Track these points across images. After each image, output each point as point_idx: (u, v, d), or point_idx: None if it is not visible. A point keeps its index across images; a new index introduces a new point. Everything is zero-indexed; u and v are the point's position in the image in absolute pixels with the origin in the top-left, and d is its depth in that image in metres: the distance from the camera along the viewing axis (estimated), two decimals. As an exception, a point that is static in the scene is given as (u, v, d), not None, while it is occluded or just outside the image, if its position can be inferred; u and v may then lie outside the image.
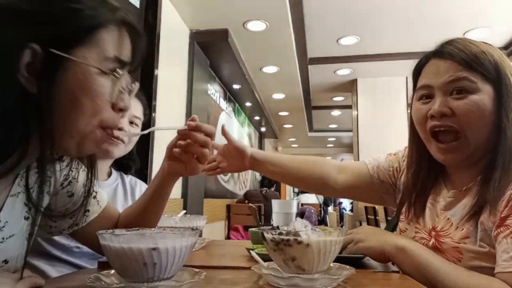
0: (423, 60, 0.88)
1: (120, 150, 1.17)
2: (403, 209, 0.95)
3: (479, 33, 3.48)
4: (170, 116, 2.89)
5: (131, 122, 1.21)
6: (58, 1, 0.53)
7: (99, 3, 0.57)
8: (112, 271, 0.60)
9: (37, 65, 0.51)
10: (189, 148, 0.74)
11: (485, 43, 0.84)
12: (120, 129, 1.12)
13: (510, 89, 0.77)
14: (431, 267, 0.72)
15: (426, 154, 0.88)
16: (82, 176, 0.77)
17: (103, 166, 1.20)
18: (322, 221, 6.47)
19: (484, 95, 0.77)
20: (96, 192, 0.79)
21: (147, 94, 2.53)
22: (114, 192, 1.21)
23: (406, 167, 0.98)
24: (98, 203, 0.80)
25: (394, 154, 1.05)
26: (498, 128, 0.77)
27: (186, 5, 2.91)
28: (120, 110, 0.61)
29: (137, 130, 1.21)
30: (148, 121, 2.47)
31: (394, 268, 0.80)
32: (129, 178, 1.30)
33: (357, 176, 1.05)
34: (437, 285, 0.70)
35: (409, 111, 0.95)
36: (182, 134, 0.74)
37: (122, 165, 1.29)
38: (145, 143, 2.47)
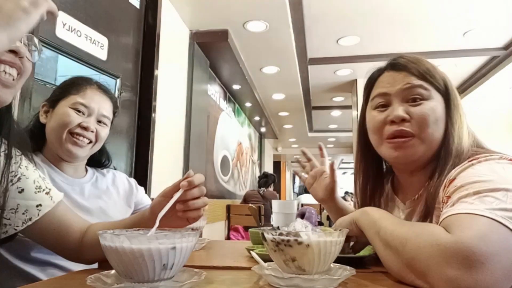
0: (376, 74, 0.93)
1: (85, 151, 1.14)
2: None
3: (479, 33, 3.48)
4: (170, 116, 2.89)
5: (99, 121, 1.15)
6: None
7: None
8: (112, 271, 0.60)
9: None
10: (189, 205, 0.76)
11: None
12: (85, 128, 1.10)
13: (455, 102, 0.85)
14: (378, 221, 0.73)
15: (374, 164, 0.97)
16: (33, 173, 0.82)
17: (79, 164, 1.19)
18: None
19: (437, 102, 0.84)
20: (49, 189, 0.84)
21: (147, 94, 2.53)
22: (96, 185, 1.21)
23: (354, 180, 1.04)
24: (51, 198, 0.83)
25: None
26: (444, 136, 0.83)
27: (186, 5, 2.92)
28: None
29: (105, 130, 1.17)
30: (148, 121, 2.49)
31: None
32: (105, 170, 1.29)
33: None
34: (380, 232, 0.70)
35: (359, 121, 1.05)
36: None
37: (94, 161, 1.26)
38: (144, 143, 2.48)
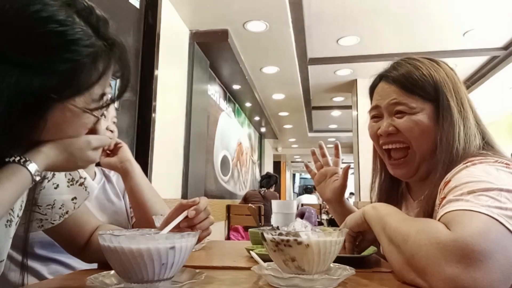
0: (376, 81, 0.97)
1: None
2: None
3: (479, 33, 3.48)
4: (170, 116, 2.89)
5: (114, 122, 1.22)
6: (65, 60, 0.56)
7: (103, 52, 0.61)
8: (112, 271, 0.60)
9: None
10: (197, 229, 0.75)
11: (432, 60, 0.91)
12: (111, 131, 1.17)
13: (447, 108, 0.84)
14: (384, 217, 0.73)
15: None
16: None
17: (91, 167, 1.21)
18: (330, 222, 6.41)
19: (423, 115, 0.86)
20: (84, 179, 0.83)
21: (147, 94, 2.53)
22: (104, 188, 1.22)
23: (372, 177, 1.05)
24: (86, 189, 0.83)
25: None
26: (438, 143, 0.84)
27: (186, 5, 2.92)
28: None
29: (116, 129, 1.23)
30: (148, 121, 2.49)
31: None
32: (112, 172, 1.30)
33: None
34: (385, 228, 0.71)
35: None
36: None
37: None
38: (144, 143, 2.48)
